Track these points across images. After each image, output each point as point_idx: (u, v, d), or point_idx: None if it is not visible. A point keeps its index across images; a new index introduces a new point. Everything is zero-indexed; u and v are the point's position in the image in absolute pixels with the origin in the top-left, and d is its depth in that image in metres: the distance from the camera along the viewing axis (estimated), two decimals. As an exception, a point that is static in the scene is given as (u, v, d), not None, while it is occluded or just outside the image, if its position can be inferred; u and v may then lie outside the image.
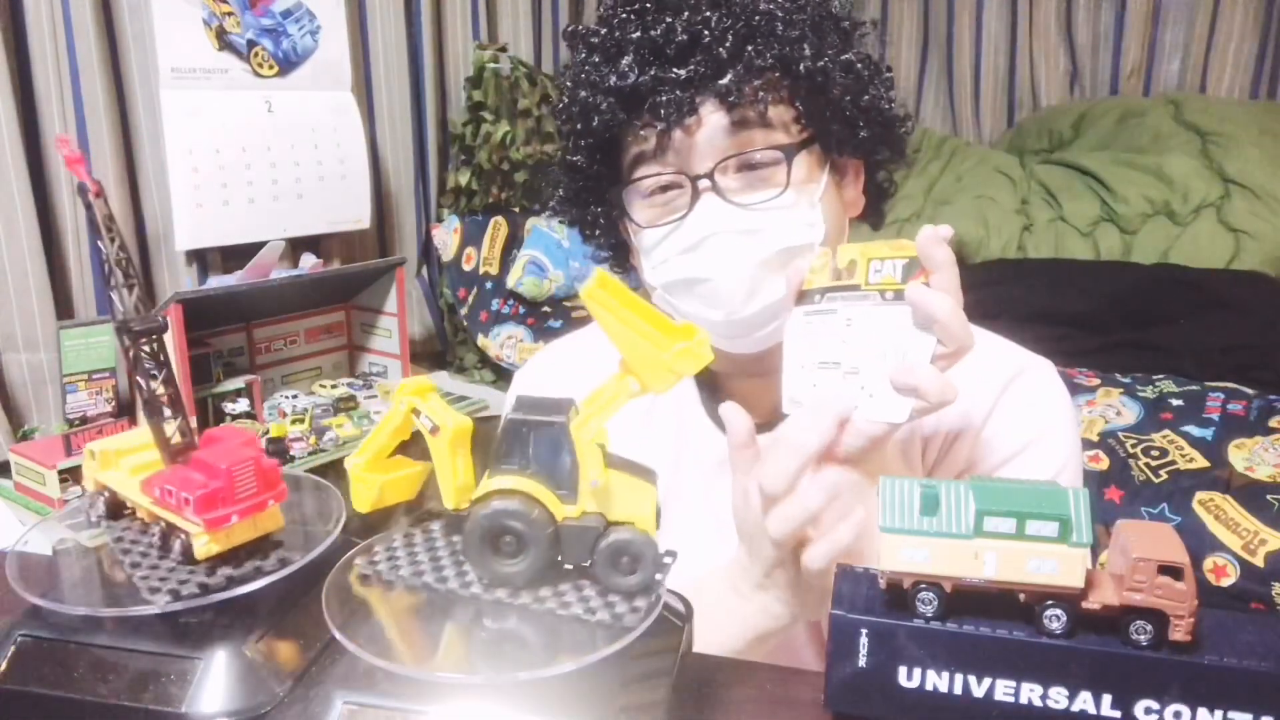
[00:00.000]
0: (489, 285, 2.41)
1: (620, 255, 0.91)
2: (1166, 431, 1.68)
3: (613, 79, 0.76)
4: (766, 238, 0.75)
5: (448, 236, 2.48)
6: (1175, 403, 1.75)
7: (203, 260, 2.01)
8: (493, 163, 2.45)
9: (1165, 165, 2.42)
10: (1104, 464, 1.63)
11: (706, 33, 0.75)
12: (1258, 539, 1.45)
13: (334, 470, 1.75)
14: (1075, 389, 1.81)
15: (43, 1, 1.71)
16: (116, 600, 0.56)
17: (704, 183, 0.76)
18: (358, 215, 2.23)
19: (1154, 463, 1.61)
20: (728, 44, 0.74)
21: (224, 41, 1.97)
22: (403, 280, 2.08)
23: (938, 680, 0.48)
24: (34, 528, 0.63)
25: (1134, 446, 1.65)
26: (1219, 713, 0.45)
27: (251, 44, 2.01)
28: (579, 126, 0.80)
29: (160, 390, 0.56)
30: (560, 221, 0.91)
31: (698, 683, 0.57)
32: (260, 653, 0.54)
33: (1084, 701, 0.46)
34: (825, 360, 0.68)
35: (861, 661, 0.49)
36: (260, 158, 2.02)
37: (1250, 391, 1.77)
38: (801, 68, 0.75)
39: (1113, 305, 2.11)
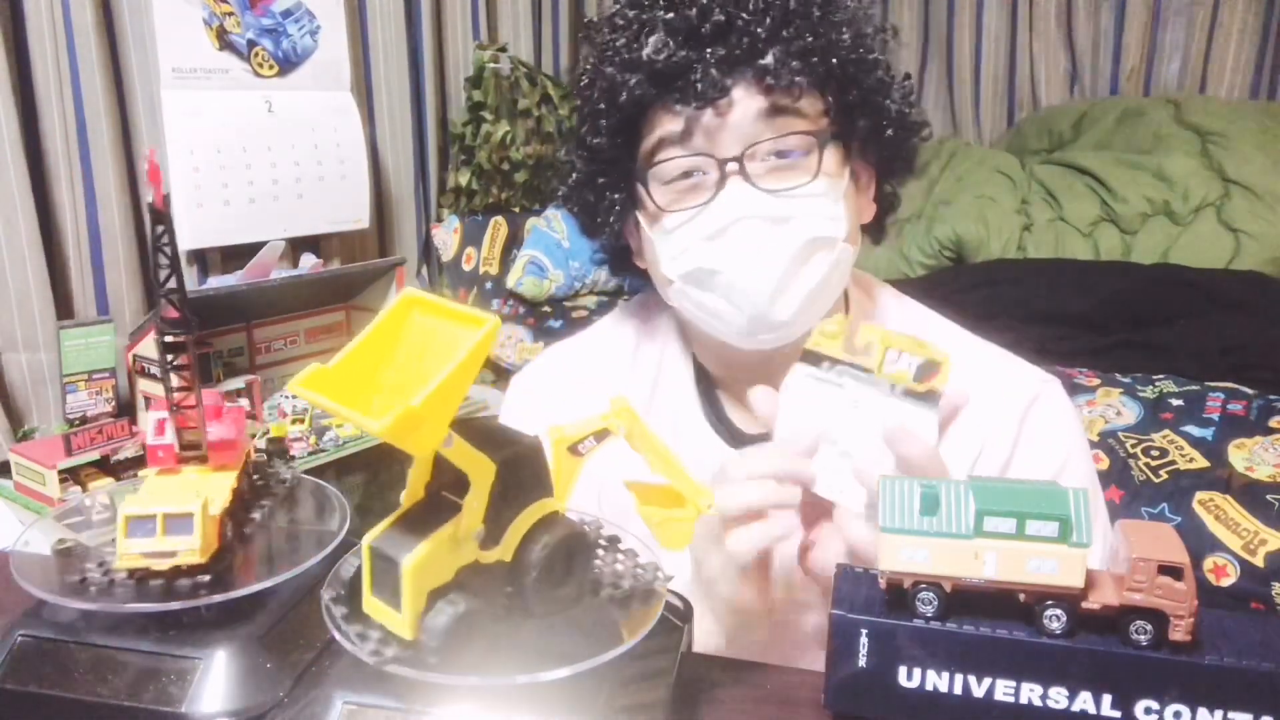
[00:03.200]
0: (489, 285, 2.41)
1: (621, 258, 0.89)
2: (1166, 431, 1.68)
3: (645, 54, 0.74)
4: (795, 226, 0.74)
5: (448, 236, 2.48)
6: (1175, 403, 1.74)
7: (203, 260, 2.01)
8: (493, 163, 2.45)
9: (1165, 165, 2.42)
10: (1104, 464, 1.63)
11: (744, 14, 0.73)
12: (1258, 539, 1.45)
13: (334, 470, 1.75)
14: (1075, 389, 1.81)
15: (43, 1, 1.71)
16: (117, 596, 0.56)
17: (732, 166, 0.74)
18: (357, 215, 2.23)
19: (1154, 463, 1.61)
20: (766, 25, 0.73)
21: (224, 41, 1.96)
22: (403, 280, 2.08)
23: (938, 680, 0.48)
24: (32, 526, 0.63)
25: (1134, 446, 1.65)
26: (1219, 713, 0.45)
27: (252, 44, 2.01)
28: (603, 105, 0.78)
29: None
30: (571, 209, 0.88)
31: (698, 683, 0.57)
32: (260, 653, 0.54)
33: (1084, 701, 0.46)
34: (824, 434, 0.64)
35: (861, 661, 0.49)
36: (260, 158, 2.02)
37: (1250, 391, 1.77)
38: (835, 59, 0.74)
39: (1113, 305, 2.10)
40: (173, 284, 0.56)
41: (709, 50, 0.73)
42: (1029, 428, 0.80)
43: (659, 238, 0.79)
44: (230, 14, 1.96)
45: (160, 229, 0.55)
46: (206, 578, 0.55)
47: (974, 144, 3.02)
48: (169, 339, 0.57)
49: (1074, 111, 2.82)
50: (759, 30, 0.73)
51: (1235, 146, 2.43)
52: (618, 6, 0.79)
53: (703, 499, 0.54)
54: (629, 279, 0.93)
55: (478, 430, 0.50)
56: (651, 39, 0.74)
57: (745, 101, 0.74)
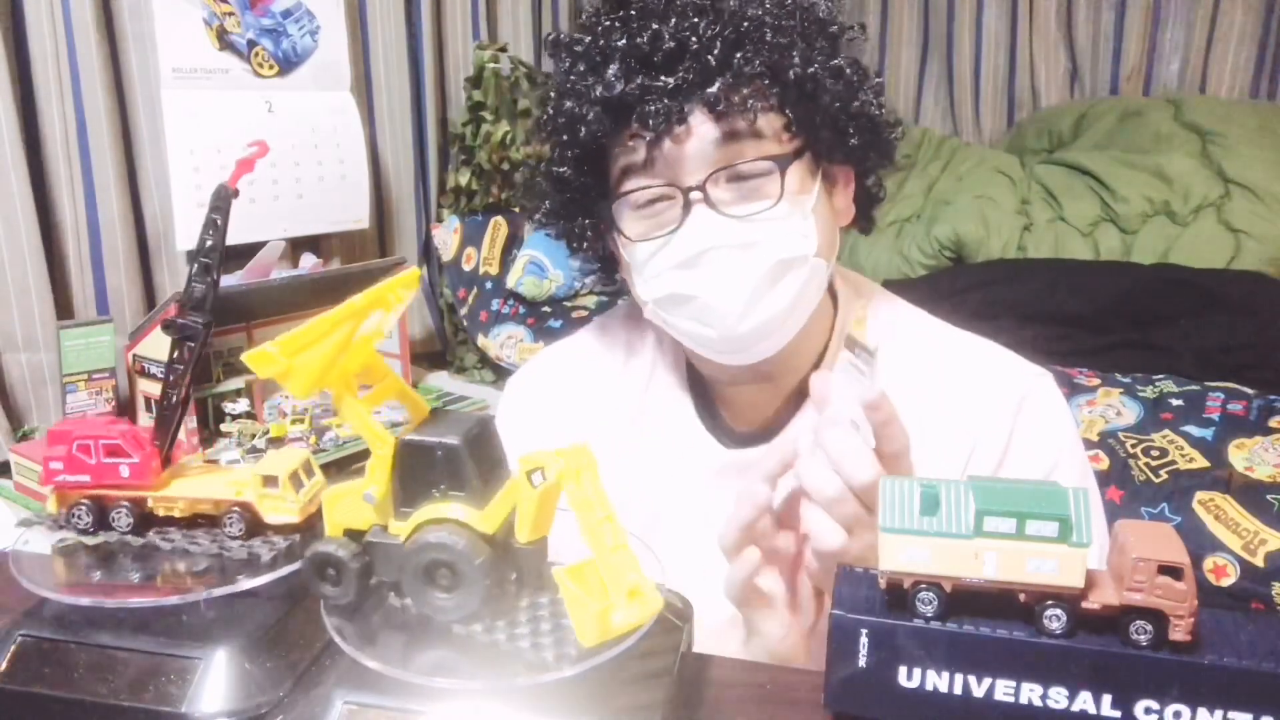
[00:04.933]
0: (489, 285, 2.41)
1: (608, 268, 0.89)
2: (1166, 431, 1.67)
3: (599, 89, 0.75)
4: (761, 251, 0.74)
5: (448, 236, 2.48)
6: (1175, 403, 1.74)
7: (203, 260, 2.01)
8: (493, 163, 2.45)
9: (1165, 165, 2.42)
10: (1104, 464, 1.63)
11: (694, 39, 0.73)
12: (1258, 539, 1.45)
13: (334, 470, 1.75)
14: (1075, 389, 1.81)
15: (43, 1, 1.71)
16: (119, 593, 0.57)
17: (695, 194, 0.74)
18: (358, 215, 2.23)
19: (1154, 463, 1.61)
20: (716, 51, 0.73)
21: (224, 41, 1.97)
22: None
23: (938, 680, 0.48)
24: (33, 526, 0.63)
25: (1134, 446, 1.65)
26: (1219, 713, 0.45)
27: (252, 44, 2.01)
28: (565, 138, 0.79)
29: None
30: (548, 234, 0.89)
31: (698, 683, 0.57)
32: (260, 653, 0.54)
33: (1084, 701, 0.46)
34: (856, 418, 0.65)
35: (861, 661, 0.49)
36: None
37: (1250, 391, 1.77)
38: (791, 75, 0.74)
39: (1113, 305, 2.10)
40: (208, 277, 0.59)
41: (663, 78, 0.73)
42: (1022, 423, 0.80)
43: (632, 263, 0.80)
44: (230, 14, 1.97)
45: (217, 215, 0.58)
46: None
47: (974, 144, 3.02)
48: (194, 323, 0.58)
49: (1074, 111, 2.82)
50: (709, 58, 0.72)
51: (1235, 146, 2.42)
52: (577, 33, 0.79)
53: (628, 603, 0.47)
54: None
55: (438, 415, 0.53)
56: (609, 70, 0.74)
57: (702, 128, 0.74)
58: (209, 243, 0.59)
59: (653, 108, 0.73)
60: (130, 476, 0.60)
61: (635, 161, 0.76)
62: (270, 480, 0.60)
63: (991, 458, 0.79)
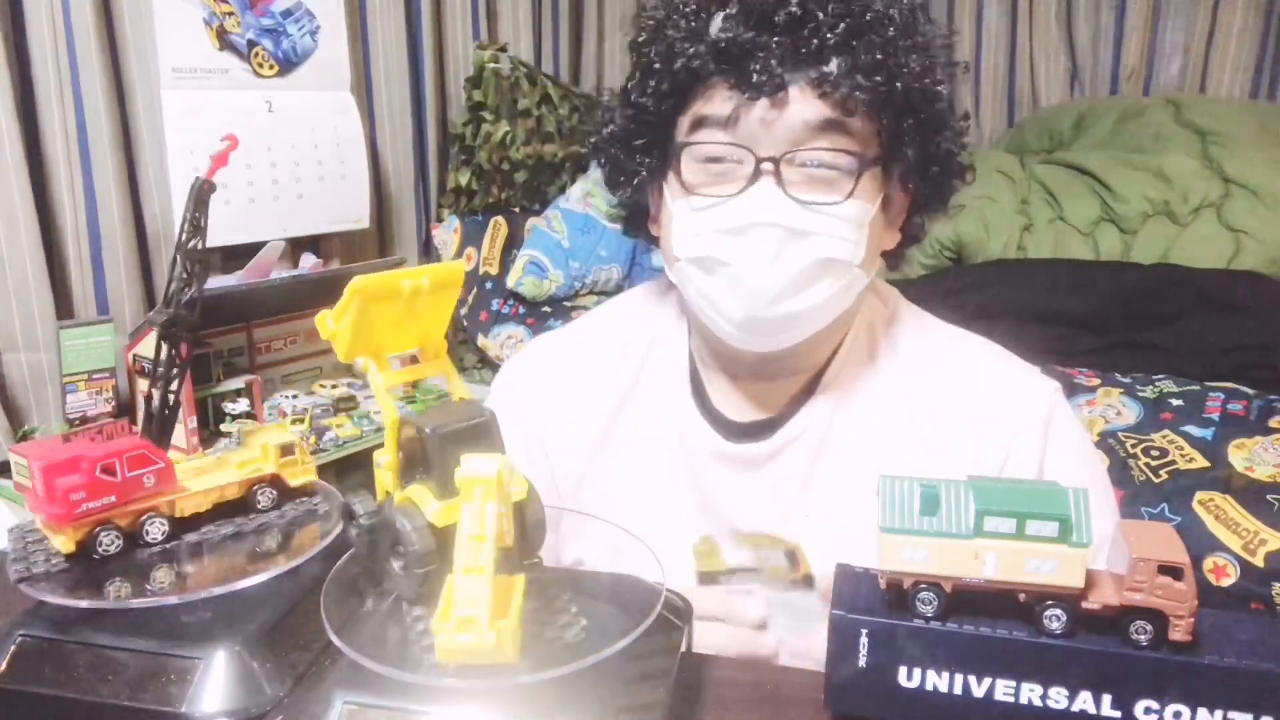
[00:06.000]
0: (489, 285, 2.41)
1: (635, 219, 0.88)
2: (1166, 431, 1.68)
3: (711, 28, 0.72)
4: (813, 243, 0.72)
5: (448, 236, 2.48)
6: (1175, 403, 1.74)
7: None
8: (493, 163, 2.45)
9: (1165, 165, 2.42)
10: (1104, 464, 1.63)
11: (820, 13, 0.71)
12: (1258, 539, 1.45)
13: (334, 470, 1.75)
14: (1075, 389, 1.81)
15: (43, 2, 1.71)
16: (118, 593, 0.56)
17: (767, 165, 0.72)
18: (358, 215, 2.23)
19: (1154, 463, 1.61)
20: (839, 30, 0.71)
21: (224, 41, 1.96)
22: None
23: (938, 680, 0.48)
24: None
25: (1134, 446, 1.65)
26: (1219, 713, 0.45)
27: (252, 44, 2.01)
28: (657, 66, 0.76)
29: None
30: (599, 160, 0.87)
31: (698, 683, 0.57)
32: (260, 653, 0.54)
33: (1084, 701, 0.46)
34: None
35: (861, 661, 0.49)
36: (260, 158, 2.02)
37: (1250, 391, 1.77)
38: (900, 83, 0.72)
39: (1113, 305, 2.10)
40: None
41: (775, 40, 0.71)
42: (1053, 443, 0.80)
43: (678, 213, 0.77)
44: (230, 14, 1.97)
45: (199, 212, 0.58)
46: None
47: (974, 144, 3.02)
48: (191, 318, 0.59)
49: (1074, 111, 2.82)
50: (829, 34, 0.71)
51: (1235, 146, 2.42)
52: None
53: (457, 631, 0.45)
54: (629, 279, 0.93)
55: (461, 402, 0.55)
56: (720, 14, 0.72)
57: (799, 104, 0.72)
58: (193, 240, 0.58)
59: (759, 66, 0.70)
60: (156, 484, 0.59)
61: (716, 114, 0.74)
62: (288, 448, 0.64)
63: (1027, 476, 0.79)
